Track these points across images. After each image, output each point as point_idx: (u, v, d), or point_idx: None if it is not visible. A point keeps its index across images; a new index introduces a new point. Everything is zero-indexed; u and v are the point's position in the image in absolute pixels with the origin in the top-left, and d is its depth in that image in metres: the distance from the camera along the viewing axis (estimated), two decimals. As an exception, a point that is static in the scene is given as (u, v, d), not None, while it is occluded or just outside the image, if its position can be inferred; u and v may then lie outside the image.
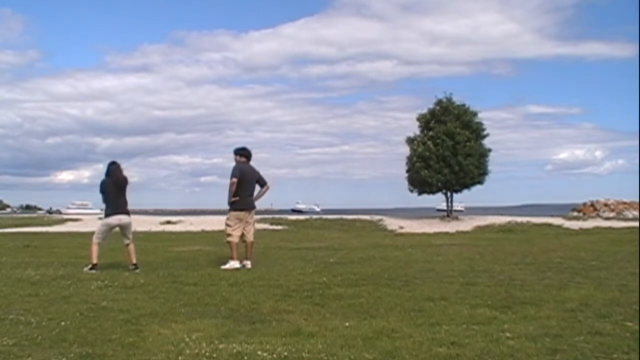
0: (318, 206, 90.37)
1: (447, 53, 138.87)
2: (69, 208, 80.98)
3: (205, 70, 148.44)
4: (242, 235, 9.11)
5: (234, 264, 8.77)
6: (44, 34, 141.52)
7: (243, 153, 9.21)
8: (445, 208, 28.94)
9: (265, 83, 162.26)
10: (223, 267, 8.69)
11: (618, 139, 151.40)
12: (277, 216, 30.71)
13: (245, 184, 8.98)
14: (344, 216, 28.67)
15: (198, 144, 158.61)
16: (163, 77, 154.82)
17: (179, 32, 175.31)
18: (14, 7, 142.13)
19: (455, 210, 29.25)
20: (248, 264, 8.93)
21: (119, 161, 9.16)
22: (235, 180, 8.87)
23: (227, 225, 9.13)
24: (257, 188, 9.26)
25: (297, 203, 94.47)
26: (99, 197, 9.00)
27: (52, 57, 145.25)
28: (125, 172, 9.16)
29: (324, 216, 28.92)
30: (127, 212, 8.98)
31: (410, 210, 43.97)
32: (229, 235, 9.04)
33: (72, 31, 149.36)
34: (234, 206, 9.00)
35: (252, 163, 9.23)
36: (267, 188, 9.30)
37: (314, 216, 29.30)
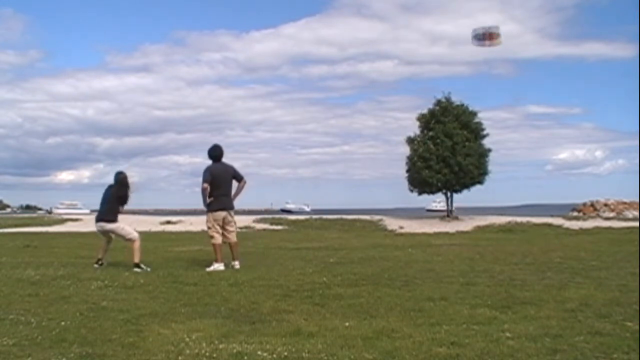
0: (308, 206, 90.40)
1: (447, 53, 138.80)
2: (58, 208, 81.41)
3: (206, 70, 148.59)
4: (225, 237, 9.02)
5: (218, 266, 8.68)
6: (44, 34, 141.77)
7: (212, 154, 9.07)
8: (434, 208, 28.90)
9: (265, 83, 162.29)
10: (208, 269, 8.57)
11: (618, 139, 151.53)
12: (277, 216, 30.74)
13: (218, 185, 8.86)
14: (344, 216, 28.69)
15: (198, 144, 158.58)
16: (164, 77, 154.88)
17: (179, 32, 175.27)
18: (15, 7, 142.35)
19: (445, 210, 29.25)
20: (236, 264, 8.88)
21: (122, 166, 9.38)
22: (206, 185, 8.80)
23: (207, 227, 9.09)
24: (236, 184, 9.13)
25: (287, 203, 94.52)
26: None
27: (53, 57, 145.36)
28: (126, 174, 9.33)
29: (324, 216, 28.92)
30: (110, 220, 9.09)
31: (410, 210, 43.99)
32: (211, 237, 8.99)
33: (72, 31, 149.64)
34: (210, 207, 8.92)
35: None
36: (244, 183, 9.13)
37: (314, 216, 29.30)
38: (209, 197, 8.86)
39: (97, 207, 9.38)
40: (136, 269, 8.53)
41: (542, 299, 5.80)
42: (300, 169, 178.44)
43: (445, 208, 29.46)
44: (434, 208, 63.52)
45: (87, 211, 63.55)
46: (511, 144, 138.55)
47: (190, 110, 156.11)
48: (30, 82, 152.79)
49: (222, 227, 8.98)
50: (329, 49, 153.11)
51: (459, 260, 9.91)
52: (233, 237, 9.09)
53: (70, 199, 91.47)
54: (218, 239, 8.93)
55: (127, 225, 9.45)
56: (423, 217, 29.23)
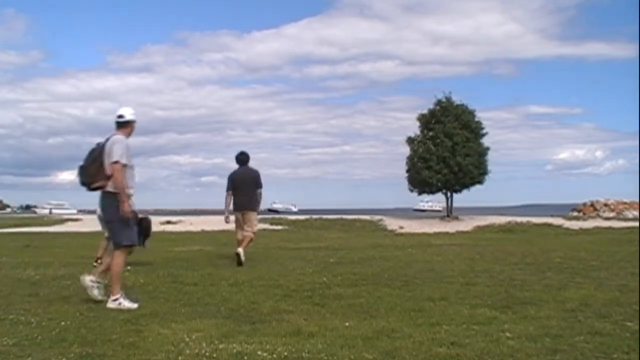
0: (295, 206, 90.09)
1: (449, 53, 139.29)
2: (44, 208, 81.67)
3: (207, 71, 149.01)
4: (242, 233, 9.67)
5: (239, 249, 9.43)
6: (46, 34, 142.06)
7: (238, 158, 9.84)
8: (421, 208, 28.80)
9: (267, 83, 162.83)
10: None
11: (618, 139, 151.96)
12: (277, 216, 30.71)
13: (236, 187, 9.66)
14: (344, 216, 28.67)
15: (199, 144, 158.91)
16: (165, 78, 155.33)
17: (181, 32, 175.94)
18: (17, 7, 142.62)
19: (433, 210, 29.27)
20: (239, 250, 9.31)
21: None
22: (226, 194, 9.74)
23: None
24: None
25: (274, 203, 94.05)
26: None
27: (55, 57, 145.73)
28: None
29: (324, 216, 28.88)
30: None
31: (410, 210, 43.98)
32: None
33: (74, 31, 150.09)
34: (232, 207, 9.83)
35: (252, 162, 9.91)
36: (259, 193, 9.77)
37: (314, 216, 29.27)
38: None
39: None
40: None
41: (542, 299, 5.80)
42: (300, 169, 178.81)
43: (435, 208, 29.48)
44: (422, 208, 63.02)
45: (75, 211, 63.51)
46: (511, 144, 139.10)
47: (192, 110, 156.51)
48: (32, 82, 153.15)
49: (243, 225, 9.67)
50: (330, 49, 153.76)
51: (459, 260, 9.90)
52: (247, 234, 9.66)
53: (57, 199, 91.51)
54: (238, 235, 9.72)
55: None
56: (423, 217, 29.20)
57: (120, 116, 5.79)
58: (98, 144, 5.73)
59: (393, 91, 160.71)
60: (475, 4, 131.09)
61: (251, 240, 9.64)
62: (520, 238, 17.52)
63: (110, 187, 5.58)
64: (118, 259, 5.68)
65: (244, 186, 9.62)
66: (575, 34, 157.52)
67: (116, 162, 5.51)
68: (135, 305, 5.48)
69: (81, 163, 5.70)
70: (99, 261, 9.06)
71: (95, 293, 5.64)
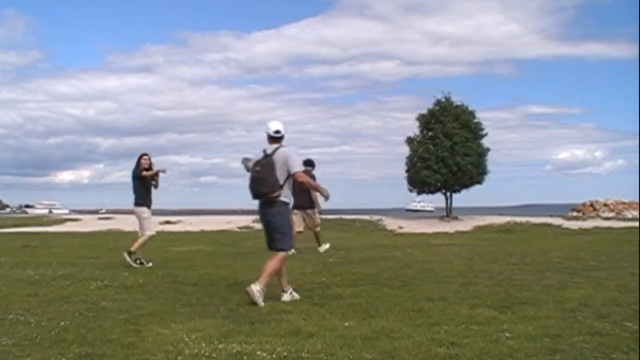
0: None
1: (449, 53, 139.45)
2: (36, 208, 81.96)
3: (207, 71, 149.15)
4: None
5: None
6: (46, 34, 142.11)
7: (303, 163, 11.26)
8: (413, 208, 28.74)
9: (266, 83, 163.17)
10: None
11: (618, 139, 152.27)
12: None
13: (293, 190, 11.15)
14: (344, 216, 28.65)
15: (199, 144, 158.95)
16: (165, 78, 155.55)
17: (181, 32, 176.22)
18: (17, 7, 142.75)
19: (425, 211, 29.27)
20: (319, 249, 11.82)
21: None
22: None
23: None
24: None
25: None
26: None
27: (55, 57, 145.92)
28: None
29: (323, 216, 28.85)
30: (136, 202, 9.53)
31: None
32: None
33: (74, 32, 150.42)
34: None
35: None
36: (313, 195, 11.30)
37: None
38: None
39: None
40: (125, 255, 8.82)
41: (541, 299, 5.80)
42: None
43: (425, 208, 29.52)
44: (414, 208, 62.27)
45: (67, 211, 63.38)
46: (511, 144, 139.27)
47: (191, 110, 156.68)
48: (32, 82, 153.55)
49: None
50: (330, 50, 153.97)
51: (458, 260, 9.90)
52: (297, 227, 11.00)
53: (50, 199, 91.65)
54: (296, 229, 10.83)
55: (150, 221, 9.57)
56: (422, 217, 29.16)
57: (277, 131, 6.09)
58: (265, 157, 5.98)
59: (393, 91, 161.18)
60: (475, 4, 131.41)
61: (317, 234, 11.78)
62: (519, 238, 17.51)
63: (284, 197, 5.99)
64: (281, 260, 6.08)
65: (298, 188, 10.77)
66: (575, 34, 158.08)
67: (299, 170, 6.06)
68: (298, 296, 6.07)
69: (254, 175, 5.94)
70: (133, 256, 9.02)
71: (261, 301, 5.75)
